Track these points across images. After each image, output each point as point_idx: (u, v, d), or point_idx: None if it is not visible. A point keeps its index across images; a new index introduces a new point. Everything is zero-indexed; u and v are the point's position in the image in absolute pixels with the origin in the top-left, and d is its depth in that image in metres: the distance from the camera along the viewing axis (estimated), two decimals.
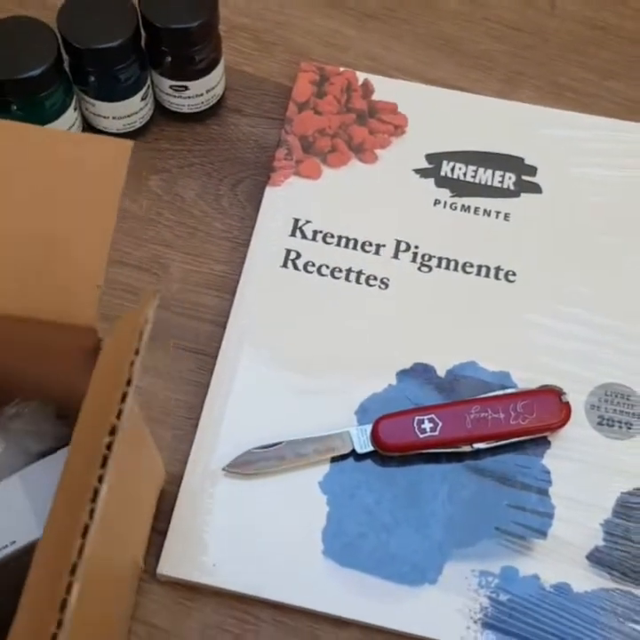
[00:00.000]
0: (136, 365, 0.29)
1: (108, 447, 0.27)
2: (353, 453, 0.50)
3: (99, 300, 0.34)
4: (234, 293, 0.55)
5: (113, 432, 0.28)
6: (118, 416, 0.28)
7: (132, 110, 0.57)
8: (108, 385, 0.30)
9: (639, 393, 0.52)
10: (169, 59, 0.56)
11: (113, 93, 0.56)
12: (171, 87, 0.57)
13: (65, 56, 0.53)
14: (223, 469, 0.49)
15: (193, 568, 0.47)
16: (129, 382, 0.29)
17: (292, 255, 0.56)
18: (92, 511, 0.27)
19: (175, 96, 0.58)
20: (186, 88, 0.57)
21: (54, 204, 0.35)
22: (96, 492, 0.27)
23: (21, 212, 0.34)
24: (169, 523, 0.49)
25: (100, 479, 0.27)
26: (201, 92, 0.58)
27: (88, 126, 0.59)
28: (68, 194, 0.35)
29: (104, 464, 0.27)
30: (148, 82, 0.57)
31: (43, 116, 0.53)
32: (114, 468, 0.28)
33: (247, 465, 0.49)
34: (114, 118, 0.57)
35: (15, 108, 0.52)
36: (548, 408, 0.50)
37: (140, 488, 0.44)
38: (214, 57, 0.57)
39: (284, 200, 0.58)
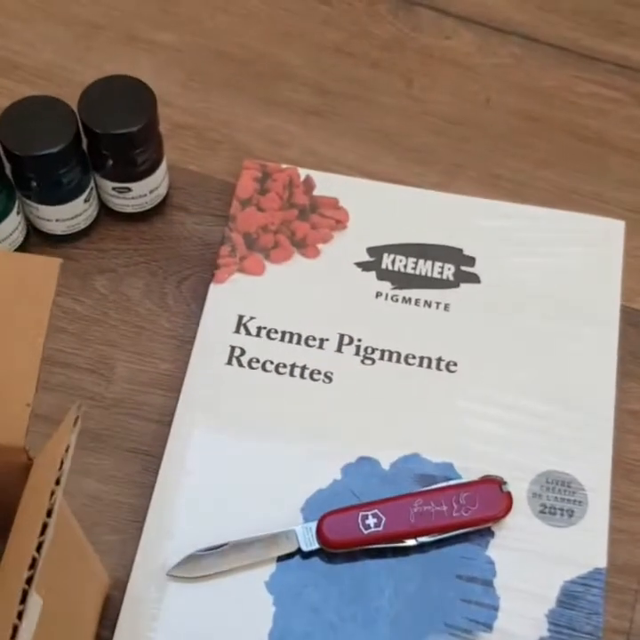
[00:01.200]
0: (57, 496, 0.29)
1: (28, 582, 0.27)
2: (299, 551, 0.50)
3: (28, 418, 0.35)
4: (179, 391, 0.55)
5: (32, 566, 0.28)
6: (38, 549, 0.28)
7: (76, 212, 0.58)
8: (34, 512, 0.30)
9: (579, 480, 0.53)
10: (110, 162, 0.57)
11: (56, 197, 0.57)
12: (114, 189, 0.58)
13: (6, 162, 0.54)
14: (167, 574, 0.49)
15: None
16: (49, 513, 0.29)
17: (237, 352, 0.57)
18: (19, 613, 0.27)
19: (119, 197, 0.59)
20: (129, 189, 0.58)
21: None
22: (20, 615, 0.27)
23: None
24: (114, 631, 0.48)
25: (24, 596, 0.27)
26: (144, 193, 0.59)
27: (33, 229, 0.60)
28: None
29: (24, 599, 0.27)
30: (91, 184, 0.58)
31: None
32: (43, 589, 0.28)
33: (192, 568, 0.49)
34: (58, 221, 0.58)
35: None
36: (490, 499, 0.51)
37: (81, 598, 0.44)
38: (156, 158, 0.58)
39: (229, 297, 0.59)
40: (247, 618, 0.49)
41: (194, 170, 0.64)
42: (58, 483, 0.29)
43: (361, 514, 0.50)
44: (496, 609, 0.49)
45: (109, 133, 0.55)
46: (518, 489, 0.52)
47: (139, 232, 0.62)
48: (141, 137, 0.56)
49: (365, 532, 0.50)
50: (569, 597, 0.50)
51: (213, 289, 0.59)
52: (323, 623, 0.49)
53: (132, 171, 0.58)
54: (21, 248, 0.59)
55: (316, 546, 0.50)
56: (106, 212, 0.61)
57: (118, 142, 0.56)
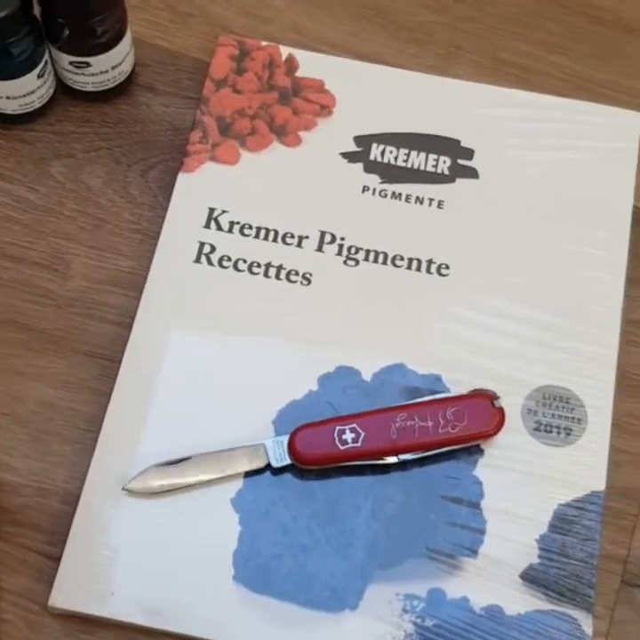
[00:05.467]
0: None
1: None
2: (269, 467, 0.46)
3: None
4: (142, 291, 0.50)
5: None
6: None
7: (29, 89, 0.52)
8: None
9: (579, 395, 0.48)
10: (67, 31, 0.50)
11: (5, 70, 0.50)
12: (71, 63, 0.52)
13: None
14: (123, 488, 0.45)
15: (89, 599, 0.43)
16: None
17: (206, 249, 0.51)
18: None
19: (77, 73, 0.53)
20: (88, 64, 0.52)
21: None
22: None
23: None
24: (63, 548, 0.44)
25: None
26: (105, 69, 0.53)
27: None
28: None
29: None
30: (46, 57, 0.52)
31: None
32: None
33: (150, 482, 0.45)
34: (8, 98, 0.52)
35: None
36: (480, 414, 0.46)
37: None
38: (119, 28, 0.52)
39: (199, 188, 0.53)
40: (210, 537, 0.45)
41: (164, 46, 0.58)
42: None
43: (337, 428, 0.46)
44: (482, 533, 0.45)
45: None
46: (512, 404, 0.48)
47: (101, 114, 0.56)
48: (101, 3, 0.50)
49: (342, 447, 0.45)
50: (563, 522, 0.45)
51: (182, 178, 0.53)
52: (293, 545, 0.45)
53: (90, 42, 0.51)
54: None
55: (287, 461, 0.46)
56: (64, 91, 0.55)
57: (74, 8, 0.49)
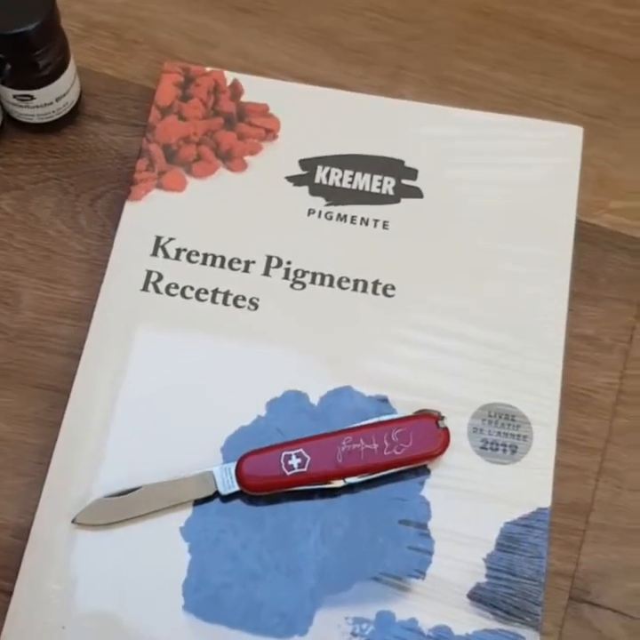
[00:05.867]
0: None
1: None
2: (217, 494, 0.46)
3: None
4: (90, 321, 0.51)
5: None
6: None
7: None
8: None
9: (524, 412, 0.49)
10: (8, 66, 0.51)
11: None
12: (15, 97, 0.53)
13: None
14: (73, 521, 0.45)
15: (41, 634, 0.43)
16: None
17: (154, 277, 0.52)
18: None
19: (21, 106, 0.53)
20: (31, 97, 0.53)
21: None
22: None
23: None
24: (15, 582, 0.44)
25: None
26: (49, 101, 0.53)
27: None
28: None
29: None
30: None
31: None
32: None
33: (99, 514, 0.45)
34: None
35: None
36: (426, 435, 0.47)
37: None
38: (61, 61, 0.52)
39: (146, 216, 0.53)
40: (160, 567, 0.45)
41: (110, 74, 0.58)
42: None
43: (284, 453, 0.46)
44: (430, 553, 0.46)
45: (3, 34, 0.49)
46: (457, 424, 0.48)
47: (48, 145, 0.56)
48: (40, 36, 0.50)
49: (288, 472, 0.46)
50: (509, 540, 0.46)
51: (129, 207, 0.53)
52: (242, 572, 0.45)
53: (33, 76, 0.52)
54: None
55: (235, 488, 0.46)
56: (11, 123, 0.55)
57: (14, 43, 0.50)
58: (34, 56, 0.51)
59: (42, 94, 0.53)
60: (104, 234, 0.54)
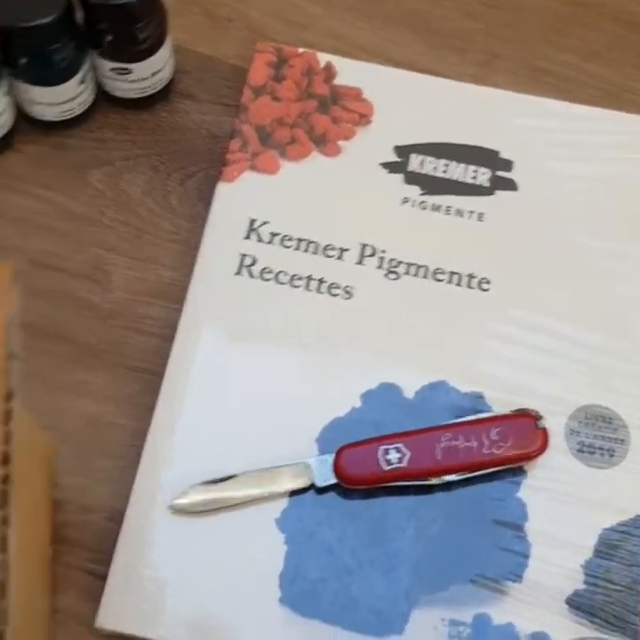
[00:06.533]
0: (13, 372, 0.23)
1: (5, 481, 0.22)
2: (313, 486, 0.46)
3: None
4: (182, 303, 0.50)
5: (6, 461, 0.22)
6: (6, 440, 0.22)
7: (70, 96, 0.51)
8: None
9: (621, 415, 0.48)
10: (109, 38, 0.50)
11: (46, 77, 0.50)
12: (112, 70, 0.52)
13: None
14: (169, 507, 0.45)
15: (135, 619, 0.43)
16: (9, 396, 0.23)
17: (248, 261, 0.51)
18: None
19: (118, 80, 0.52)
20: (129, 71, 0.52)
21: None
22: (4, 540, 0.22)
23: None
24: (109, 566, 0.44)
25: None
26: (146, 76, 0.52)
27: (22, 115, 0.53)
28: None
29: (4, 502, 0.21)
30: (87, 64, 0.51)
31: None
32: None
33: (196, 501, 0.45)
34: (49, 105, 0.51)
35: None
36: (524, 435, 0.46)
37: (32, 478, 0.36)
38: (159, 35, 0.51)
39: (239, 198, 0.52)
40: (256, 558, 0.45)
41: (202, 52, 0.57)
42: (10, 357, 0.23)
43: (382, 447, 0.46)
44: (526, 557, 0.45)
45: (107, 4, 0.48)
46: (554, 424, 0.48)
47: (140, 121, 0.55)
48: (143, 9, 0.49)
49: (386, 467, 0.45)
50: (607, 547, 0.45)
51: (221, 188, 0.52)
52: (338, 567, 0.45)
53: (132, 49, 0.51)
54: (9, 135, 0.53)
55: (332, 481, 0.46)
56: (104, 98, 0.55)
57: (117, 15, 0.49)
58: (135, 28, 0.50)
59: (139, 68, 0.52)
60: (195, 214, 0.53)
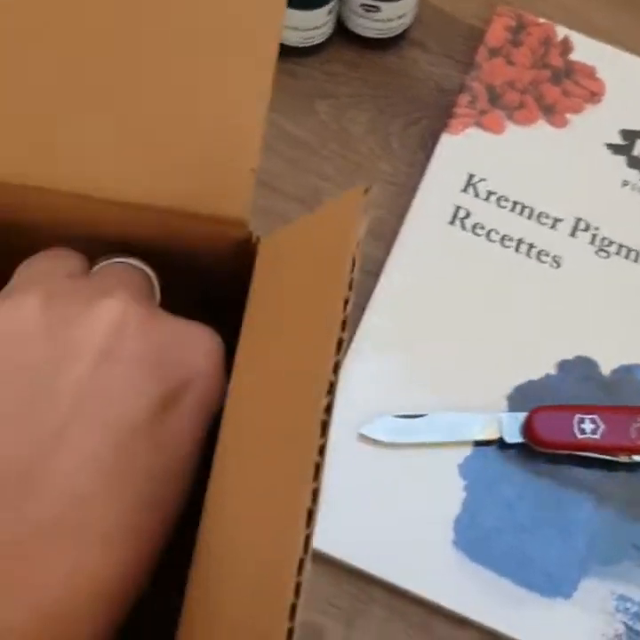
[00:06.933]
0: (349, 306, 0.22)
1: (327, 410, 0.22)
2: (499, 441, 0.46)
3: (252, 186, 0.27)
4: (390, 243, 0.50)
5: (330, 391, 0.22)
6: (338, 348, 0.22)
7: (317, 23, 0.52)
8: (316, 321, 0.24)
9: None
10: None
11: (303, 0, 0.51)
12: (362, 6, 0.52)
13: None
14: (359, 433, 0.45)
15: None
16: (343, 328, 0.22)
17: (462, 213, 0.51)
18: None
19: (363, 16, 0.53)
20: (378, 9, 0.52)
21: (203, 48, 0.26)
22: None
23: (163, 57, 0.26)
24: None
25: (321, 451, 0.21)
26: (391, 17, 0.53)
27: None
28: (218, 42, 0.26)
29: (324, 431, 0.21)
30: None
31: None
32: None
33: (386, 432, 0.45)
34: (294, 29, 0.52)
35: None
36: None
37: None
38: None
39: (461, 151, 0.52)
40: (434, 498, 0.45)
41: (440, 7, 0.57)
42: (350, 287, 0.23)
43: (578, 415, 0.45)
44: None
45: None
46: None
47: (371, 62, 0.56)
48: None
49: (580, 436, 0.45)
50: None
51: (445, 139, 0.53)
52: (514, 522, 0.44)
53: None
54: None
55: (519, 439, 0.45)
56: (340, 34, 0.55)
57: None
58: None
59: (389, 8, 0.52)
60: (413, 161, 0.53)
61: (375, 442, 0.45)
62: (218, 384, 0.26)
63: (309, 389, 0.23)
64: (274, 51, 0.27)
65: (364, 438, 0.45)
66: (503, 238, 0.51)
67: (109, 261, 0.29)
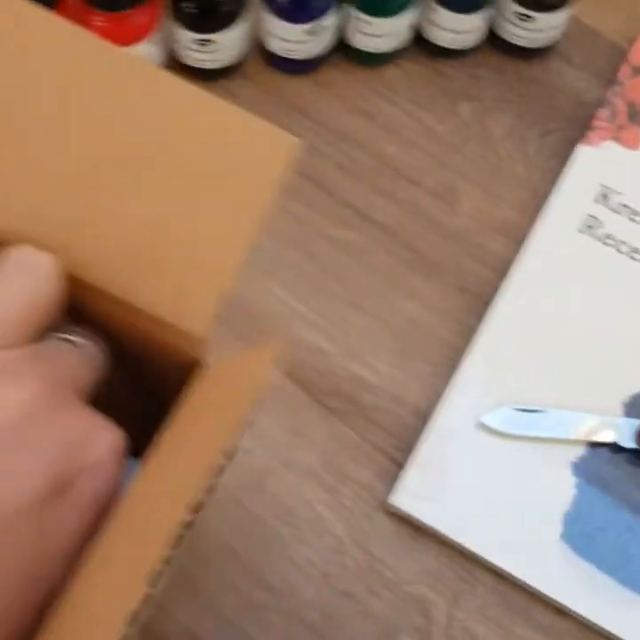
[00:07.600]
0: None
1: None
2: (614, 444, 0.47)
3: (214, 308, 0.27)
4: (520, 243, 0.52)
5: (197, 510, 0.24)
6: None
7: (470, 27, 0.54)
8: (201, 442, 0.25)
9: None
10: None
11: (468, 3, 0.53)
12: (516, 14, 0.54)
13: None
14: (480, 420, 0.47)
15: (425, 508, 0.45)
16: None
17: (593, 222, 0.52)
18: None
19: (517, 25, 0.55)
20: (532, 19, 0.54)
21: (196, 183, 0.27)
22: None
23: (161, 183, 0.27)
24: (407, 456, 0.47)
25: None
26: (543, 28, 0.55)
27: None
28: (213, 178, 0.27)
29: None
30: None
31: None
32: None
33: (506, 423, 0.47)
34: (450, 31, 0.54)
35: None
36: None
37: None
38: None
39: (596, 162, 0.54)
40: (546, 492, 0.46)
41: (586, 23, 0.59)
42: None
43: None
44: None
45: None
46: None
47: (516, 69, 0.57)
48: None
49: None
50: None
51: (582, 150, 0.54)
52: (620, 522, 0.46)
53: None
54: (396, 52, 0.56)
55: (634, 446, 0.47)
56: (490, 39, 0.57)
57: None
58: None
59: (543, 19, 0.54)
60: (548, 167, 0.55)
61: (494, 431, 0.47)
62: (116, 476, 0.27)
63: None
64: (267, 196, 0.27)
65: (483, 427, 0.47)
66: (633, 252, 0.52)
67: (57, 336, 0.28)
